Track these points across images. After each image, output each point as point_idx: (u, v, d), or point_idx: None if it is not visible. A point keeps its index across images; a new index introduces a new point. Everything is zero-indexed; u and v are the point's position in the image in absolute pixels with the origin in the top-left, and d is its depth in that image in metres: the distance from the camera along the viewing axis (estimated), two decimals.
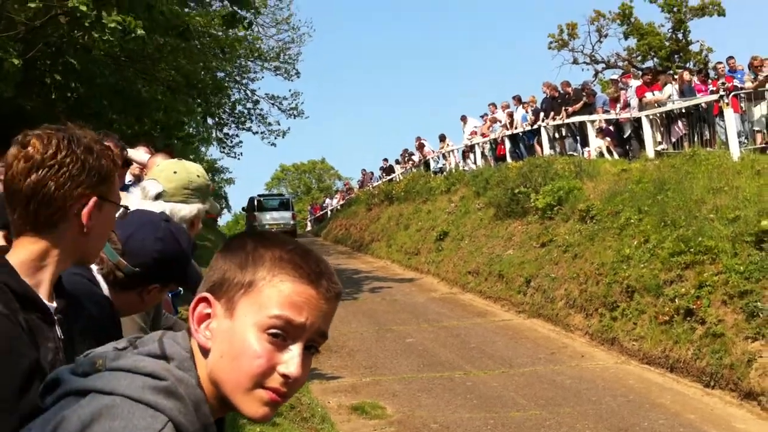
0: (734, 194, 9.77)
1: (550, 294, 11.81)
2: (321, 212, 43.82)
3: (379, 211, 25.40)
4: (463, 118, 23.29)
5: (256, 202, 36.18)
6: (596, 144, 16.13)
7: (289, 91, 30.94)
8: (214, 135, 27.00)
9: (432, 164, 25.73)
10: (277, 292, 1.18)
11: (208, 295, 1.22)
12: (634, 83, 15.69)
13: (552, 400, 7.86)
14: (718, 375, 7.88)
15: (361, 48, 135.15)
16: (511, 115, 20.01)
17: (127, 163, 4.94)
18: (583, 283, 11.09)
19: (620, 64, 31.59)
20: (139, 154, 5.09)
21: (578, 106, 16.92)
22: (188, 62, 16.57)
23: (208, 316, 1.21)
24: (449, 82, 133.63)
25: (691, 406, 7.59)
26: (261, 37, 24.68)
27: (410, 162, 28.12)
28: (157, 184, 2.79)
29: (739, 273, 8.35)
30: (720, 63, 15.11)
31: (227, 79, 22.98)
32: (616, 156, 15.52)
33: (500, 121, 20.70)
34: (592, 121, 16.31)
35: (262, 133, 25.84)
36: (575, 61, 32.25)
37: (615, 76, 17.84)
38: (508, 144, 19.73)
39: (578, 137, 17.10)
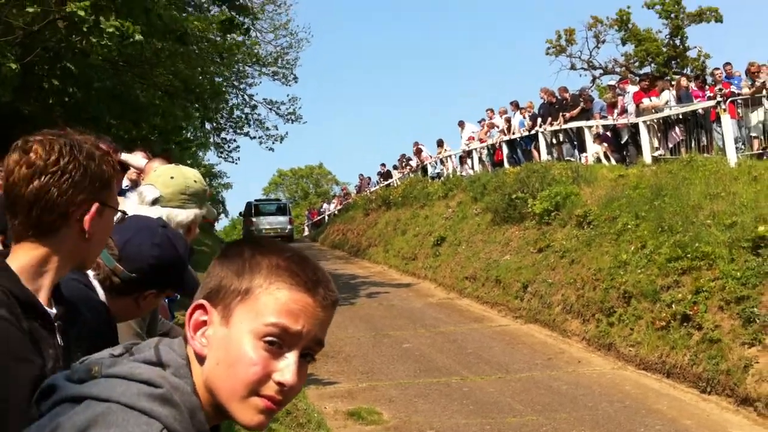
0: (731, 200, 9.78)
1: (547, 299, 11.81)
2: (318, 217, 43.81)
3: (376, 217, 25.40)
4: (461, 124, 23.34)
5: (253, 207, 36.22)
6: (593, 150, 16.15)
7: (287, 96, 30.94)
8: (212, 140, 27.02)
9: (429, 169, 25.76)
10: (273, 300, 1.17)
11: (204, 302, 1.21)
12: (632, 89, 15.72)
13: (548, 405, 7.85)
14: (715, 381, 7.88)
15: (359, 50, 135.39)
16: (508, 121, 20.04)
17: (124, 167, 4.95)
18: (580, 288, 11.09)
19: (618, 69, 31.66)
20: (136, 158, 5.09)
21: (576, 111, 16.94)
22: (186, 67, 16.58)
23: (205, 323, 1.21)
24: (447, 86, 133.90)
25: (687, 411, 7.58)
26: (259, 42, 24.72)
27: (408, 167, 28.13)
28: (154, 190, 2.79)
29: (735, 279, 8.36)
30: (717, 69, 15.14)
31: (225, 84, 23.00)
32: (613, 162, 15.54)
33: (498, 127, 20.73)
34: (590, 127, 16.33)
35: (259, 137, 25.88)
36: (573, 67, 32.32)
37: (612, 82, 17.90)
38: (505, 149, 19.75)
39: (575, 143, 17.13)
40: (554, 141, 17.92)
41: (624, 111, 15.36)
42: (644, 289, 9.58)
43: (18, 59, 10.32)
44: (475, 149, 21.62)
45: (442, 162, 25.06)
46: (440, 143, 25.20)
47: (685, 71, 28.47)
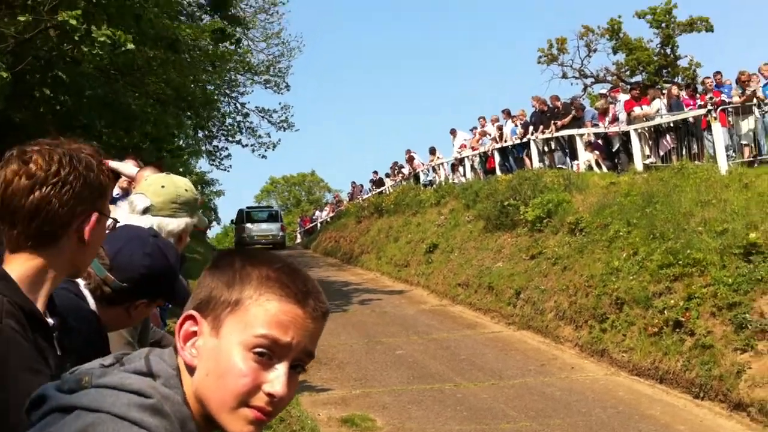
0: (722, 207, 9.82)
1: (540, 306, 11.82)
2: (311, 224, 43.79)
3: (368, 224, 25.40)
4: (453, 132, 23.38)
5: (245, 215, 36.22)
6: (585, 157, 16.20)
7: (279, 104, 30.93)
8: (204, 148, 27.01)
9: (422, 177, 25.80)
10: (263, 311, 1.17)
11: (194, 312, 1.21)
12: (623, 97, 15.79)
13: (542, 411, 7.85)
14: (708, 386, 7.90)
15: (349, 60, 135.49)
16: (500, 129, 20.09)
17: (116, 175, 4.94)
18: (573, 295, 11.11)
19: (609, 78, 31.76)
20: (127, 167, 5.08)
21: (567, 119, 16.99)
22: (178, 75, 16.57)
23: (195, 333, 1.21)
24: (439, 94, 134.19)
25: (680, 417, 7.60)
26: (251, 50, 24.74)
27: (400, 175, 28.16)
28: (144, 199, 2.78)
29: (727, 285, 8.39)
30: (708, 78, 15.22)
31: (217, 92, 23.00)
32: (604, 169, 15.59)
33: (490, 135, 20.77)
34: (581, 135, 16.38)
35: (252, 145, 25.87)
36: (564, 76, 32.38)
37: (604, 91, 17.96)
38: (497, 157, 19.79)
39: (567, 150, 17.18)
40: (546, 149, 17.97)
41: (615, 119, 15.42)
42: (636, 296, 9.61)
43: (9, 67, 10.30)
44: (467, 157, 21.66)
45: (434, 169, 25.09)
46: (432, 151, 25.24)
47: (676, 80, 28.58)
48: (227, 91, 24.87)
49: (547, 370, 9.66)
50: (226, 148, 26.17)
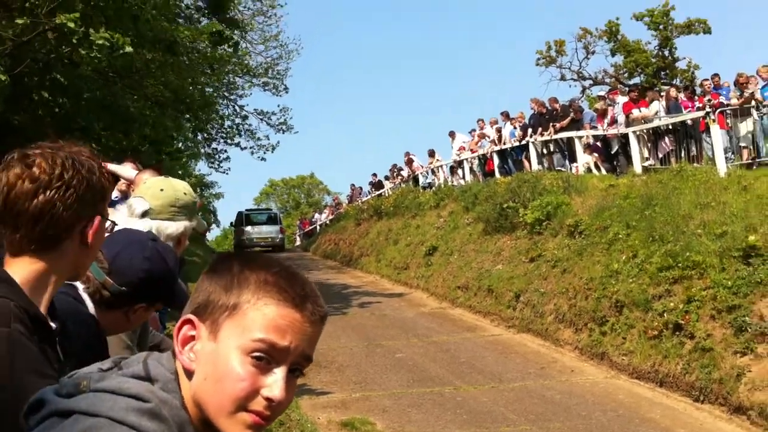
0: (721, 210, 9.82)
1: (540, 309, 11.82)
2: (310, 227, 43.81)
3: (368, 226, 25.39)
4: (452, 134, 23.40)
5: (244, 217, 36.29)
6: (584, 160, 16.21)
7: (278, 106, 30.92)
8: (203, 150, 27.01)
9: (421, 179, 25.80)
10: (261, 316, 1.17)
11: (192, 317, 1.21)
12: (621, 100, 15.80)
13: (542, 415, 7.84)
14: (708, 389, 7.89)
15: (348, 60, 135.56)
16: (499, 131, 20.11)
17: (115, 178, 4.93)
18: (572, 297, 11.11)
19: (607, 80, 31.79)
20: (125, 170, 5.08)
21: (566, 122, 17.02)
22: (176, 77, 16.58)
23: (193, 338, 1.20)
24: (438, 96, 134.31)
25: (681, 420, 7.59)
26: (249, 52, 24.76)
27: (399, 177, 28.17)
28: (143, 202, 2.78)
29: (727, 288, 8.39)
30: (706, 80, 15.25)
31: (215, 94, 23.02)
32: (603, 171, 15.60)
33: (489, 137, 20.79)
34: (580, 137, 16.40)
35: (251, 148, 25.87)
36: (563, 78, 32.43)
37: (602, 93, 17.97)
38: (496, 159, 19.81)
39: (566, 153, 17.19)
40: (545, 151, 17.98)
41: (614, 121, 15.43)
42: (636, 299, 9.60)
43: (7, 70, 10.30)
44: (466, 159, 21.68)
45: (433, 172, 25.11)
46: (431, 153, 25.27)
47: (674, 82, 28.60)
48: (226, 94, 24.90)
49: (547, 373, 9.65)
50: (225, 151, 26.20)
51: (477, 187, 18.56)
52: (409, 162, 27.02)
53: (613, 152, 15.50)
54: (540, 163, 17.77)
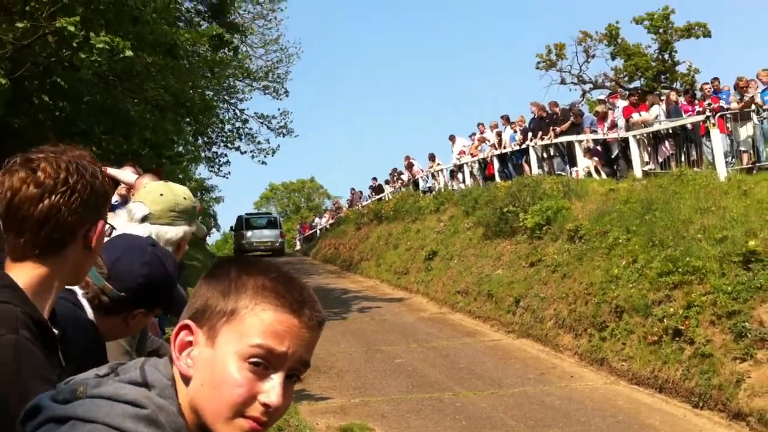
0: (721, 214, 9.81)
1: (539, 314, 11.80)
2: (310, 231, 43.79)
3: (368, 231, 25.40)
4: (452, 138, 23.41)
5: (244, 221, 36.36)
6: (584, 164, 16.21)
7: (278, 109, 30.99)
8: (203, 154, 27.00)
9: (421, 183, 25.80)
10: (259, 321, 1.17)
11: (190, 322, 1.21)
12: (621, 103, 15.81)
13: (541, 421, 7.83)
14: (707, 395, 7.88)
15: (349, 59, 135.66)
16: (499, 135, 20.12)
17: (115, 182, 4.93)
18: (572, 303, 11.09)
19: (607, 84, 31.84)
20: (125, 174, 5.08)
21: (566, 126, 17.02)
22: (177, 81, 16.59)
23: (190, 343, 1.20)
24: (439, 99, 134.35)
25: (680, 426, 7.58)
26: (249, 56, 24.78)
27: (399, 181, 28.19)
28: (143, 207, 2.78)
29: (726, 293, 8.38)
30: (706, 84, 15.25)
31: (216, 98, 23.03)
32: (603, 176, 15.60)
33: (489, 141, 20.80)
34: (580, 141, 16.40)
35: (251, 151, 25.87)
36: (563, 81, 32.49)
37: (602, 97, 17.98)
38: (496, 163, 19.81)
39: (566, 157, 17.19)
40: (545, 155, 17.98)
41: (614, 125, 15.44)
42: (636, 304, 9.59)
43: (8, 74, 10.30)
44: (467, 163, 21.68)
45: (433, 176, 25.11)
46: (432, 157, 25.28)
47: (674, 86, 28.64)
48: (226, 97, 24.90)
49: (547, 378, 9.63)
50: (225, 155, 26.18)
51: (477, 192, 18.56)
52: (410, 166, 27.03)
53: (613, 156, 15.50)
54: (540, 167, 17.78)
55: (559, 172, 16.85)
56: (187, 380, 1.19)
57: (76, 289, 1.98)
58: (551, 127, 17.29)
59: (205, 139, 24.25)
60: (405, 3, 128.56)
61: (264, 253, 33.28)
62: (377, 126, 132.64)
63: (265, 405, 1.16)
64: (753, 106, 12.87)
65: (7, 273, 1.59)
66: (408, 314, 14.89)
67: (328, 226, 37.16)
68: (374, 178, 32.40)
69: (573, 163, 16.66)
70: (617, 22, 31.85)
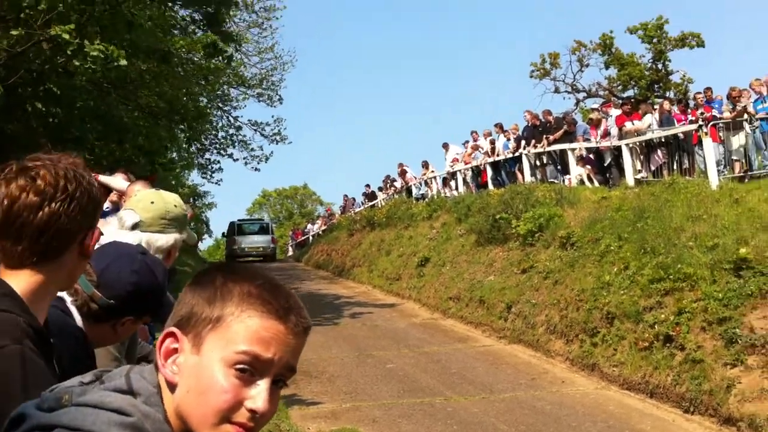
0: (713, 222, 9.86)
1: (531, 320, 11.83)
2: (303, 237, 43.78)
3: (360, 237, 25.39)
4: (445, 146, 23.46)
5: (236, 227, 36.36)
6: (577, 172, 16.27)
7: (272, 117, 31.01)
8: (196, 161, 27.02)
9: (414, 191, 25.83)
10: (244, 328, 1.17)
11: (175, 329, 1.21)
12: (615, 112, 15.88)
13: (532, 426, 7.84)
14: (698, 401, 7.91)
15: (342, 63, 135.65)
16: (493, 143, 20.18)
17: (107, 189, 4.93)
18: (564, 309, 11.12)
19: (601, 93, 31.92)
20: (117, 181, 5.07)
21: (559, 134, 17.08)
22: (171, 88, 16.60)
23: (176, 350, 1.21)
24: (432, 106, 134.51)
25: (671, 431, 7.61)
26: (244, 64, 24.82)
27: (392, 188, 28.20)
28: (133, 214, 2.79)
29: (717, 300, 8.42)
30: (699, 93, 15.32)
31: (210, 105, 23.05)
32: (596, 184, 15.65)
33: (482, 149, 20.85)
34: (573, 150, 16.46)
35: (244, 158, 25.90)
36: (557, 90, 32.55)
37: (596, 105, 18.05)
38: (489, 171, 19.86)
39: (559, 165, 17.24)
40: (538, 163, 18.04)
41: (607, 134, 15.50)
42: (627, 310, 9.62)
43: (1, 81, 10.30)
44: (460, 171, 21.72)
45: (426, 183, 25.14)
46: (425, 165, 25.32)
47: (667, 95, 28.74)
48: (220, 105, 24.95)
49: (538, 384, 9.65)
50: (218, 162, 26.21)
51: (470, 199, 18.59)
52: (403, 173, 27.05)
53: (605, 165, 15.57)
54: (533, 175, 17.83)
55: (551, 180, 16.90)
56: (172, 387, 1.20)
57: (65, 296, 1.98)
58: (544, 136, 17.35)
59: (199, 145, 24.27)
60: (403, 3, 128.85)
61: (256, 259, 33.26)
62: (371, 130, 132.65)
63: (251, 411, 1.16)
64: (745, 116, 12.95)
65: (5, 281, 1.59)
66: (400, 320, 14.89)
67: (320, 233, 37.15)
68: (367, 185, 32.46)
69: (566, 171, 16.72)
70: (611, 32, 31.98)
